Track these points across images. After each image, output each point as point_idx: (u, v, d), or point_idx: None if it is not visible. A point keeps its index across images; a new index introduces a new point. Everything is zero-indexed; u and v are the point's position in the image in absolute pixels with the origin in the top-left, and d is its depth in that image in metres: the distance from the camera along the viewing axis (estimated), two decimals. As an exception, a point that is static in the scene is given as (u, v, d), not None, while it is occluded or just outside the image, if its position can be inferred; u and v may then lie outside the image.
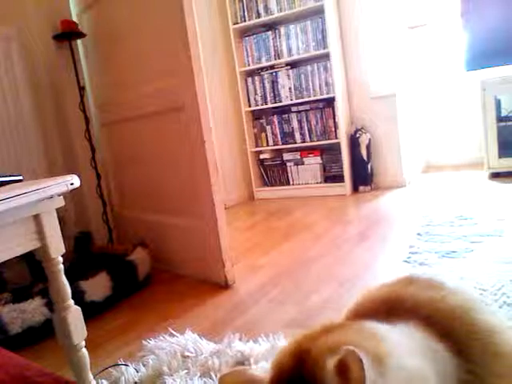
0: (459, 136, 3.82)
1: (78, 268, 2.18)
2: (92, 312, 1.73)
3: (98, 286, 1.82)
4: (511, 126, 3.12)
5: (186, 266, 2.11)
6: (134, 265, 1.97)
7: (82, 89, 2.47)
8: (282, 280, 1.91)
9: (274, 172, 3.86)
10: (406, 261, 1.88)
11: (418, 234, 2.18)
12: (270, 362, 0.63)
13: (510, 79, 3.02)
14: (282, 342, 1.30)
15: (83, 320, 1.06)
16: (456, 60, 3.59)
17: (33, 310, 1.59)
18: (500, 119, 3.12)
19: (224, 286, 1.89)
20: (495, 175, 3.16)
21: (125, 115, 2.31)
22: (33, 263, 2.05)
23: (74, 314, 1.02)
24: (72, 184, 0.97)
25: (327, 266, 2.00)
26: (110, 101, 2.43)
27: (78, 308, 1.04)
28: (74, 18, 2.51)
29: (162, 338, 1.45)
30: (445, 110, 3.86)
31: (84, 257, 2.34)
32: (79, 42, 2.53)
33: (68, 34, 2.37)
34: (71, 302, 1.02)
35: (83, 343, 1.06)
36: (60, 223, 1.03)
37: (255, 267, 2.12)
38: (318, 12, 3.36)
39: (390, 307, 0.76)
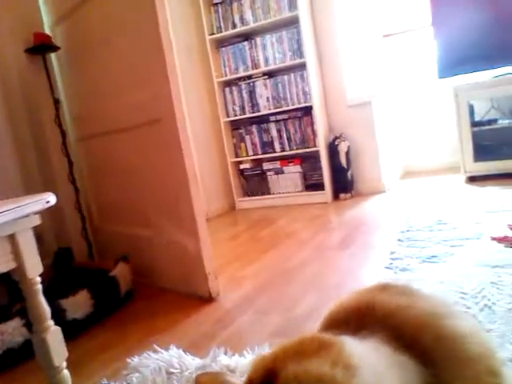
0: (435, 141, 3.89)
1: (57, 285, 2.13)
2: (73, 331, 1.69)
3: (79, 304, 1.78)
4: (484, 130, 3.20)
5: (168, 279, 2.08)
6: (116, 280, 1.94)
7: (56, 102, 2.44)
8: (266, 290, 1.90)
9: (254, 182, 3.86)
10: (387, 267, 1.89)
11: (399, 240, 2.20)
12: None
13: (480, 85, 3.10)
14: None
15: (63, 340, 1.03)
16: (429, 67, 3.67)
17: (12, 331, 1.55)
18: (474, 124, 3.19)
19: (208, 298, 1.87)
20: (472, 179, 3.22)
21: (101, 128, 2.28)
22: (10, 282, 1.99)
23: (54, 335, 0.99)
24: (48, 202, 0.95)
25: (311, 275, 2.00)
26: (86, 114, 2.40)
27: (58, 328, 1.01)
28: (47, 31, 2.48)
29: (146, 354, 1.42)
30: (420, 117, 3.93)
31: (64, 273, 2.29)
32: (53, 54, 2.50)
33: (41, 47, 2.34)
34: (51, 322, 1.00)
35: (64, 364, 1.03)
36: (38, 240, 1.01)
37: (239, 278, 2.11)
38: (293, 22, 3.39)
39: (360, 316, 0.77)
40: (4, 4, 2.35)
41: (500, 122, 3.20)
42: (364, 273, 1.92)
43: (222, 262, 2.37)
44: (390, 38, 3.95)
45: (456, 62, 3.21)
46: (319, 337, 0.66)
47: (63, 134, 2.44)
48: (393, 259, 1.95)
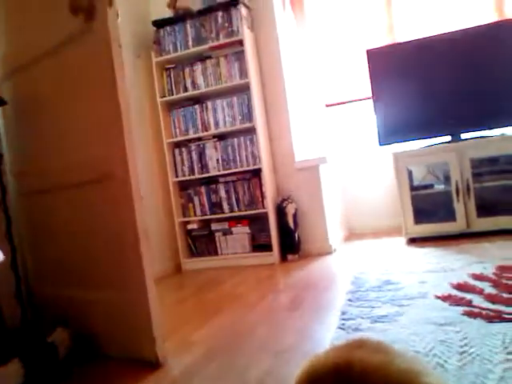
0: (378, 204, 4.06)
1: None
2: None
3: (8, 376, 1.61)
4: (423, 194, 3.40)
5: (113, 345, 1.95)
6: (53, 348, 1.78)
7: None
8: (217, 355, 1.82)
9: (202, 242, 3.81)
10: (340, 327, 1.88)
11: (349, 300, 2.22)
12: None
13: (417, 152, 3.33)
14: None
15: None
16: (371, 135, 3.91)
17: None
18: (413, 188, 3.39)
19: (155, 364, 1.76)
20: (412, 240, 3.36)
21: (48, 184, 2.19)
22: None
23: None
24: (-7, 255, 0.88)
25: (262, 337, 1.94)
26: (31, 169, 2.30)
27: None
28: (-6, 85, 2.43)
29: (86, 429, 1.29)
30: (364, 181, 4.12)
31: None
32: (-1, 109, 2.43)
33: (-13, 101, 2.27)
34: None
35: None
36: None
37: (188, 343, 2.01)
38: (244, 88, 3.54)
39: (339, 374, 0.75)
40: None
41: (436, 186, 3.42)
42: (316, 334, 1.89)
43: (168, 326, 2.26)
44: (334, 107, 4.20)
45: (394, 131, 3.45)
46: None
47: (3, 189, 2.31)
48: (344, 319, 1.95)
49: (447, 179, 3.29)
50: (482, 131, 3.29)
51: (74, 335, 1.97)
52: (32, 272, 2.43)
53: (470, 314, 1.77)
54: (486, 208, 3.18)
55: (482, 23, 3.34)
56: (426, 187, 3.45)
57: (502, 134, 3.18)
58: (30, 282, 2.43)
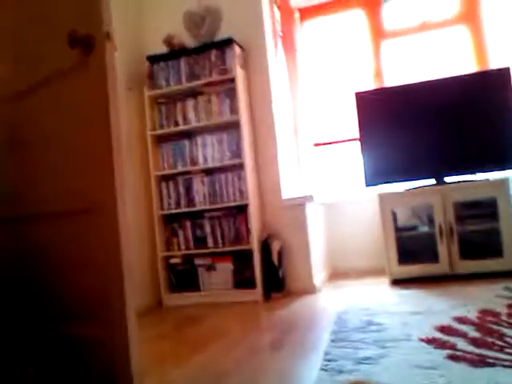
0: (363, 244, 4.08)
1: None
2: None
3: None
4: (407, 235, 3.43)
5: (90, 382, 1.87)
6: None
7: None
8: (196, 394, 1.77)
9: (184, 277, 3.75)
10: (323, 369, 1.85)
11: (332, 341, 2.18)
12: None
13: (402, 194, 3.39)
14: None
15: None
16: (358, 175, 3.98)
17: None
18: (397, 229, 3.42)
19: (132, 403, 1.70)
20: (396, 281, 3.36)
21: (27, 213, 2.16)
22: None
23: None
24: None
25: (245, 378, 1.89)
26: (9, 197, 2.27)
27: None
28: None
29: None
30: (350, 220, 4.14)
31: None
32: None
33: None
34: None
35: None
36: None
37: (167, 382, 1.95)
38: (234, 125, 3.59)
39: None
40: None
41: (420, 228, 3.45)
42: (300, 375, 1.85)
43: (147, 364, 2.20)
44: (322, 147, 4.28)
45: (381, 173, 3.51)
46: None
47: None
48: (328, 361, 1.92)
49: (431, 221, 3.33)
50: (466, 175, 3.37)
51: (50, 371, 1.89)
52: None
53: (454, 358, 1.76)
54: (469, 251, 3.22)
55: (466, 72, 3.48)
56: (410, 229, 3.48)
57: (487, 179, 3.25)
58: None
